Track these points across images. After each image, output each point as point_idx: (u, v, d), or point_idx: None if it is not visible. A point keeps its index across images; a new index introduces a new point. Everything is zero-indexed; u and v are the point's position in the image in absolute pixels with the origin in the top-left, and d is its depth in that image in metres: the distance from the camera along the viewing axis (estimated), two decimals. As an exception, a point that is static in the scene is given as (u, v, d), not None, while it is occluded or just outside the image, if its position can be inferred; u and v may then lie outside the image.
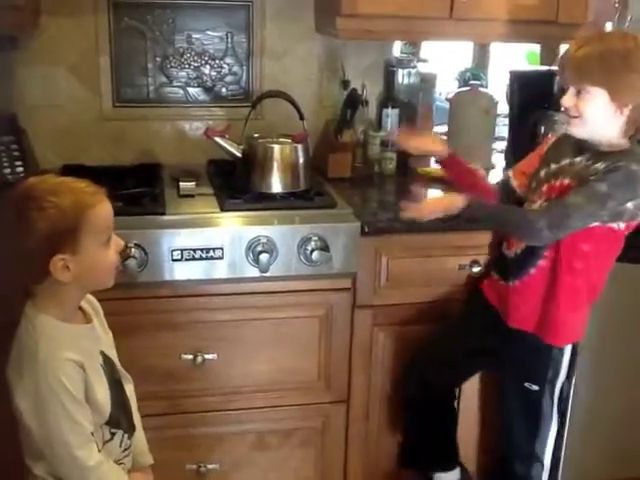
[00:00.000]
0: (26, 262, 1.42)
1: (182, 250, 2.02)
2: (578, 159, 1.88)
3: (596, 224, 1.83)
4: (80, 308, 1.55)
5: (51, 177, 1.48)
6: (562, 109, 1.90)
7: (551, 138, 2.07)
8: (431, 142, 2.17)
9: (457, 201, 1.90)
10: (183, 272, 2.04)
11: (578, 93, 1.81)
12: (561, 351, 1.98)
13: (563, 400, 2.06)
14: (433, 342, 2.21)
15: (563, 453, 2.42)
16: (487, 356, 2.12)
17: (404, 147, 2.21)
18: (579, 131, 1.87)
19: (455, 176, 2.15)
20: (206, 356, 2.12)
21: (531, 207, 1.96)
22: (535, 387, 2.01)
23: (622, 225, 1.86)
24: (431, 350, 2.19)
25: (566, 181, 1.87)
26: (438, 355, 2.17)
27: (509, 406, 2.10)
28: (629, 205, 1.80)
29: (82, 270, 1.43)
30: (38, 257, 1.40)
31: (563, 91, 1.90)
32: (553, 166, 1.93)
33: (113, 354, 1.63)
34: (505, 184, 2.13)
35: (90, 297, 1.60)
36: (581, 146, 1.88)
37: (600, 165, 1.81)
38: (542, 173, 1.96)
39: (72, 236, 1.41)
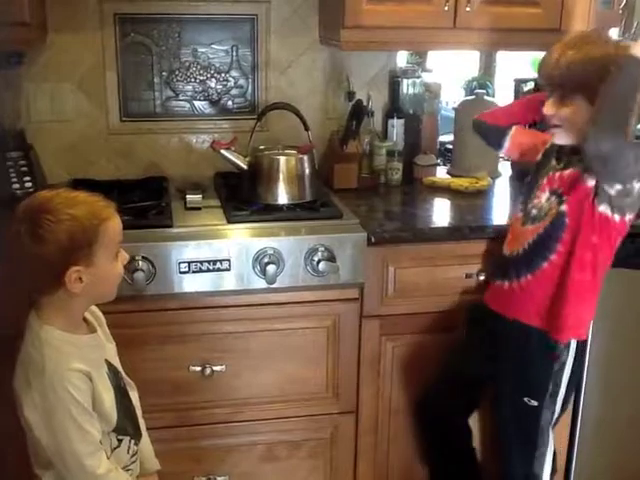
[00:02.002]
0: (40, 274, 1.44)
1: (189, 262, 2.03)
2: (576, 157, 1.89)
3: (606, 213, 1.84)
4: (84, 319, 1.57)
5: (64, 191, 1.50)
6: (544, 117, 1.89)
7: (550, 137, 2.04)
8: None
9: None
10: (190, 284, 2.05)
11: (560, 100, 1.82)
12: (563, 365, 1.97)
13: (558, 416, 2.04)
14: (438, 379, 2.22)
15: (574, 464, 2.42)
16: (487, 382, 2.13)
17: None
18: (562, 140, 1.89)
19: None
20: (214, 368, 2.12)
21: (533, 202, 1.97)
22: (534, 402, 1.98)
23: (623, 216, 1.86)
24: (438, 387, 2.21)
25: (567, 172, 1.89)
26: (444, 390, 2.19)
27: (505, 424, 2.08)
28: (636, 185, 1.79)
29: (93, 282, 1.46)
30: (53, 269, 1.42)
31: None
32: (554, 162, 1.95)
33: (117, 362, 1.65)
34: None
35: (93, 307, 1.61)
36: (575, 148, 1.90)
37: None
38: (543, 170, 1.98)
39: (88, 248, 1.43)
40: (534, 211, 1.97)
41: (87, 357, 1.49)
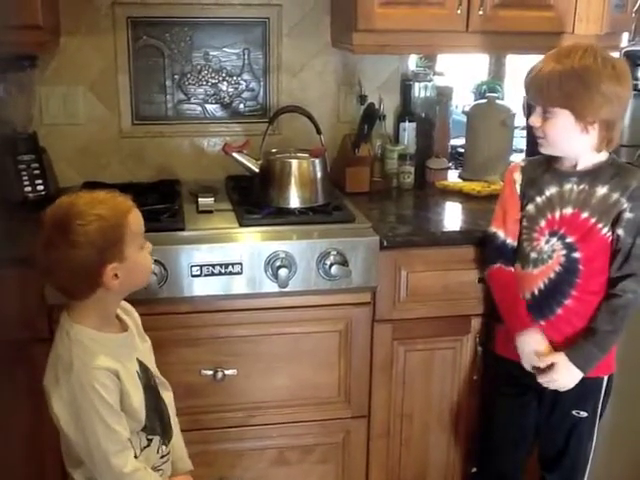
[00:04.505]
0: (77, 278, 1.45)
1: (201, 266, 2.02)
2: (568, 186, 1.88)
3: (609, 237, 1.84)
4: (117, 317, 1.59)
5: (83, 193, 1.51)
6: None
7: (513, 172, 2.01)
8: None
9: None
10: (202, 288, 2.04)
11: (544, 113, 1.83)
12: (601, 381, 1.98)
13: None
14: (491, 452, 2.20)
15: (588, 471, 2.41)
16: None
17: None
18: (547, 150, 1.89)
19: None
20: (226, 372, 2.12)
21: (532, 245, 1.94)
22: (584, 413, 1.99)
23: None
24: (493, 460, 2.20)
25: (569, 211, 1.87)
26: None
27: (558, 442, 2.06)
28: None
29: (127, 276, 1.49)
30: (91, 270, 1.44)
31: (529, 108, 1.92)
32: (539, 199, 1.93)
33: (150, 361, 1.66)
34: (503, 247, 2.02)
35: (128, 306, 1.64)
36: (556, 170, 1.91)
37: (607, 190, 1.83)
38: (531, 209, 1.95)
39: (119, 244, 1.46)
40: (533, 254, 1.95)
41: (116, 355, 1.51)
